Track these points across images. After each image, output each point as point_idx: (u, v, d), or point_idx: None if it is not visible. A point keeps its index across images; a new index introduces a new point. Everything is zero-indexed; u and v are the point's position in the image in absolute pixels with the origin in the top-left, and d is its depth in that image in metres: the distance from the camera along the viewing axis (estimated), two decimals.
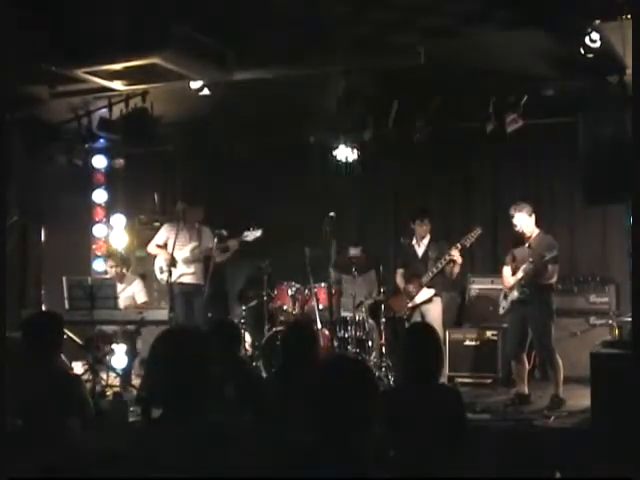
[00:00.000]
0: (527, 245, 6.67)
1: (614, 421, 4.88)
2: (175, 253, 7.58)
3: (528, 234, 6.66)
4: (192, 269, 7.81)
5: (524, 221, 6.61)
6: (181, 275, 7.75)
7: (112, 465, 2.57)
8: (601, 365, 5.44)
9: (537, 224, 6.76)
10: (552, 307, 6.60)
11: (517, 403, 6.53)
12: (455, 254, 7.07)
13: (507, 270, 6.81)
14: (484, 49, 6.28)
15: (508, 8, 5.35)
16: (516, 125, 6.92)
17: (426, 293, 7.22)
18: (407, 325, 7.03)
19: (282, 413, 3.77)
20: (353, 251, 8.29)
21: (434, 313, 7.20)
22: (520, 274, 6.57)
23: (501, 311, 6.87)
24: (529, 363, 6.85)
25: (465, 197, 8.80)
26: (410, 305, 7.27)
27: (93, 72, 5.77)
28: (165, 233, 7.89)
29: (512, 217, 6.65)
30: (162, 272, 7.69)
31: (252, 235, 7.72)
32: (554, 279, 6.58)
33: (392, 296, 7.66)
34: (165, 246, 7.76)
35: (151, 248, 8.00)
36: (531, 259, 6.47)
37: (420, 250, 7.40)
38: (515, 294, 6.61)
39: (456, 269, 7.20)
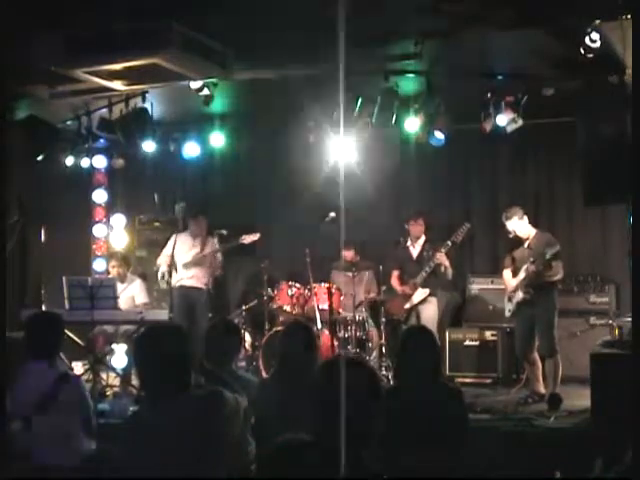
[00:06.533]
0: (526, 246, 6.69)
1: (614, 421, 4.87)
2: (177, 258, 7.60)
3: (525, 236, 6.68)
4: (192, 272, 7.82)
5: (517, 226, 6.68)
6: (181, 279, 7.76)
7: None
8: (601, 365, 5.44)
9: (535, 224, 6.76)
10: (556, 304, 6.62)
11: (531, 402, 6.55)
12: (441, 258, 7.08)
13: (507, 273, 6.82)
14: (484, 49, 6.28)
15: (508, 8, 5.35)
16: (516, 125, 6.92)
17: (421, 293, 7.26)
18: (404, 327, 7.03)
19: (281, 414, 3.77)
20: (345, 252, 8.29)
21: (429, 312, 7.23)
22: (522, 274, 6.58)
23: (507, 314, 6.87)
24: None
25: (465, 197, 8.80)
26: (407, 306, 7.28)
27: (93, 72, 5.76)
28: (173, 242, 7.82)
29: (505, 224, 6.68)
30: (163, 277, 7.69)
31: (249, 238, 7.80)
32: (559, 276, 6.59)
33: (389, 298, 7.66)
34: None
35: (161, 259, 7.96)
36: (532, 259, 6.49)
37: (415, 251, 7.41)
38: (520, 295, 6.62)
39: (448, 271, 7.21)
